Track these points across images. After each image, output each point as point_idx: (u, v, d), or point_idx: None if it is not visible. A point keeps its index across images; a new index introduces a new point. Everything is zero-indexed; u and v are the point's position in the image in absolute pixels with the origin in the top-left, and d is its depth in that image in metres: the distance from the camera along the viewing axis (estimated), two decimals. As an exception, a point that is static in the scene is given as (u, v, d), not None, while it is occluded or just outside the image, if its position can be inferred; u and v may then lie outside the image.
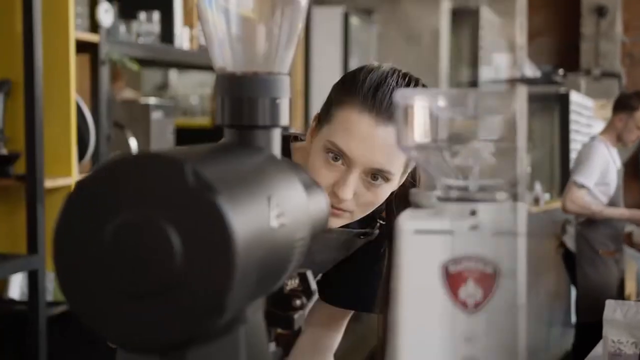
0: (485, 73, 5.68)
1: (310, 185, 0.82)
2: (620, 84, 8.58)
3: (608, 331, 1.84)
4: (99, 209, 0.60)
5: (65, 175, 2.71)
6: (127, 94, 4.39)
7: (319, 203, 0.82)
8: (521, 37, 6.31)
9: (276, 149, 0.77)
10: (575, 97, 7.05)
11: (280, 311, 0.83)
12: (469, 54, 7.03)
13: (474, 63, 7.04)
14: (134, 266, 0.59)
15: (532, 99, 6.08)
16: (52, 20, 2.67)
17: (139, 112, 3.59)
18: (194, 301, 0.59)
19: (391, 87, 1.26)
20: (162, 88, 5.92)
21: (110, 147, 3.04)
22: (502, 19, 7.01)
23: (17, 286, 2.88)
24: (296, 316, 0.83)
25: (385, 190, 1.31)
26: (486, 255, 0.65)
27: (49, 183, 2.60)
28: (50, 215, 2.62)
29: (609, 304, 1.89)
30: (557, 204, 6.32)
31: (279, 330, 0.90)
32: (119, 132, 3.22)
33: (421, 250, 0.65)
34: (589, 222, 4.60)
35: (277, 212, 0.66)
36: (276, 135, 0.77)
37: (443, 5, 5.79)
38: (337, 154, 1.28)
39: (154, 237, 0.58)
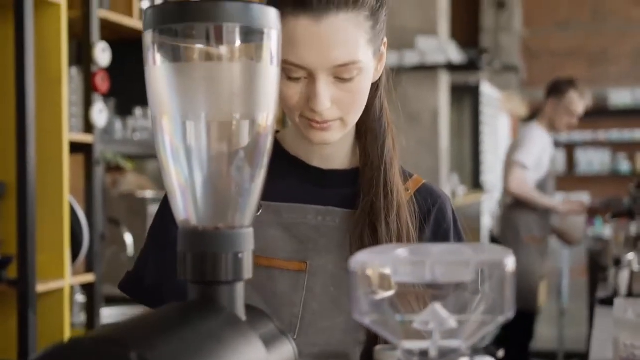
0: (410, 57, 5.59)
1: (275, 337, 0.80)
2: (517, 78, 8.58)
3: (620, 333, 1.61)
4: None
5: (58, 277, 2.69)
6: (131, 178, 4.36)
7: (283, 356, 0.80)
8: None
9: (239, 303, 0.76)
10: (485, 89, 7.03)
11: None
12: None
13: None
14: None
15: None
16: (46, 122, 2.69)
17: (137, 206, 3.59)
18: None
19: None
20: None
21: (104, 245, 3.02)
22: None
23: (7, 394, 2.82)
24: None
25: (362, 83, 1.22)
26: None
27: (41, 287, 2.57)
28: (42, 320, 2.60)
29: (619, 303, 1.67)
30: (474, 198, 6.15)
31: None
32: (114, 228, 3.21)
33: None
34: (517, 204, 4.47)
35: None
36: (239, 289, 0.76)
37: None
38: (292, 70, 1.18)
39: None
